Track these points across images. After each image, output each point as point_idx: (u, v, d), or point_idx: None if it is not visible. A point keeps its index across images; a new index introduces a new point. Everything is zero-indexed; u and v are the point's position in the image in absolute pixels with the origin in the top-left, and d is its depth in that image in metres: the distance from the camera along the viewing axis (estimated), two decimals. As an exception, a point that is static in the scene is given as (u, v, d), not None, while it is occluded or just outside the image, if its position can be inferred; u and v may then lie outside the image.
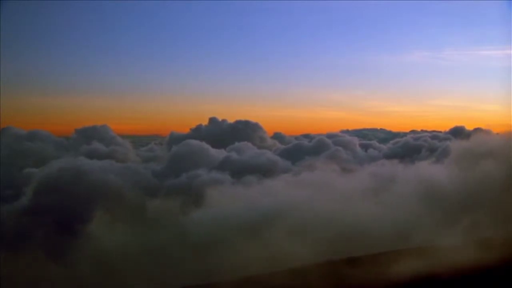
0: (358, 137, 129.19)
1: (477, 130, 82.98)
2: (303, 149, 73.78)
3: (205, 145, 70.45)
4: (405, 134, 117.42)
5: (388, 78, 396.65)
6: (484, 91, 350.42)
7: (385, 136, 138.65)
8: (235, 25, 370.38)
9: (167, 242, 27.66)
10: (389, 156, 71.55)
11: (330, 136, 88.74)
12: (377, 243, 23.44)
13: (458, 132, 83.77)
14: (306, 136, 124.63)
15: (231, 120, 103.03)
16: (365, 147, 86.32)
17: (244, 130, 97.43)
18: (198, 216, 31.47)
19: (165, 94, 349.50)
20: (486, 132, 79.68)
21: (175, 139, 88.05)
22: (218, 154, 68.68)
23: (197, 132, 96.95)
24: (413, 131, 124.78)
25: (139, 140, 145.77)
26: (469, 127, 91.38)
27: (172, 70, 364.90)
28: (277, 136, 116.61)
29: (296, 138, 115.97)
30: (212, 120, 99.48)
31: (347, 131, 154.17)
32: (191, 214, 32.20)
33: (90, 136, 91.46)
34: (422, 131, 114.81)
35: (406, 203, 30.06)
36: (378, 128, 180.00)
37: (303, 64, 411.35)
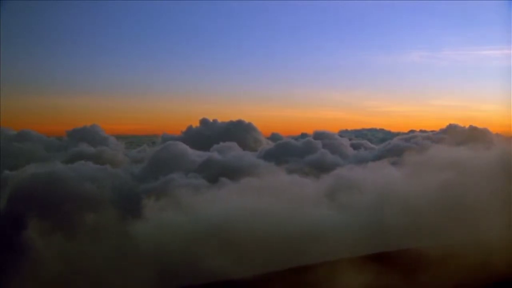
0: (358, 137, 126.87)
1: (472, 128, 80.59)
2: (288, 150, 72.03)
3: (187, 147, 69.38)
4: (404, 134, 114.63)
5: (387, 78, 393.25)
6: (484, 91, 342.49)
7: (384, 136, 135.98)
8: (236, 26, 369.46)
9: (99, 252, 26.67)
10: (378, 158, 69.22)
11: (318, 134, 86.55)
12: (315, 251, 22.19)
13: (452, 131, 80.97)
14: (304, 136, 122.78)
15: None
16: (356, 148, 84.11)
17: (236, 131, 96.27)
18: (140, 226, 30.33)
19: (168, 94, 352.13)
20: (481, 131, 77.50)
21: (167, 140, 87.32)
22: (200, 156, 67.38)
23: (188, 134, 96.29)
24: (411, 131, 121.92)
25: (138, 140, 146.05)
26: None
27: (175, 70, 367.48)
28: (274, 137, 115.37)
29: (294, 138, 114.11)
30: (203, 121, 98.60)
31: (346, 131, 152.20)
32: (135, 223, 31.03)
33: (83, 137, 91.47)
34: (421, 131, 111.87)
35: (356, 209, 28.59)
36: (378, 128, 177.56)
37: (302, 64, 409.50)
